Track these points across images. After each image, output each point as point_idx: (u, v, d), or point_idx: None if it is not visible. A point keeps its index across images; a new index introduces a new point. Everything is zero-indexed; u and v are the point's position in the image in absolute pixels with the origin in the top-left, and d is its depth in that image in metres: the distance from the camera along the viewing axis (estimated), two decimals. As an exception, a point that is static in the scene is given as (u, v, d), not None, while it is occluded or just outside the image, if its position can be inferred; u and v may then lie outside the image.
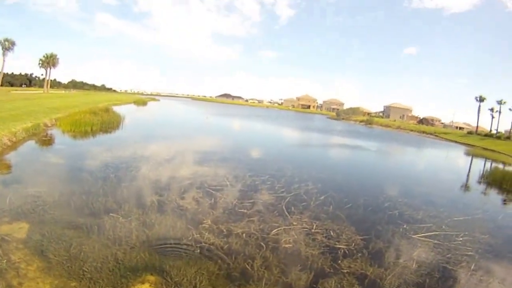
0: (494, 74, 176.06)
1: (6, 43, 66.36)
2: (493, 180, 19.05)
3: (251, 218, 8.28)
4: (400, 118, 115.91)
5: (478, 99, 77.73)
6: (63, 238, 6.03)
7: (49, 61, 76.45)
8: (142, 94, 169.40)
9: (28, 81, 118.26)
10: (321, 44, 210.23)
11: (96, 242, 6.06)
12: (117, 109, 37.59)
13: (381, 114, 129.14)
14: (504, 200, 15.90)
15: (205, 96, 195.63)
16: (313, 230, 8.00)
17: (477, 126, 79.32)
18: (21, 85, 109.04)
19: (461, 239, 8.68)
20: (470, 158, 38.21)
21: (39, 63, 77.14)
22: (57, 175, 10.75)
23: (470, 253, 7.81)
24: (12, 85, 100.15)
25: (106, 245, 5.99)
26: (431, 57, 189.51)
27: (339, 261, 6.58)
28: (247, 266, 5.97)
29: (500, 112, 74.66)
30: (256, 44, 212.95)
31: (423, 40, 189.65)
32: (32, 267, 5.06)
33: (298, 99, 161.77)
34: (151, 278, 5.21)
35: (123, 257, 5.66)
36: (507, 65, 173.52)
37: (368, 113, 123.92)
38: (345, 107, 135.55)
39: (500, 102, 73.99)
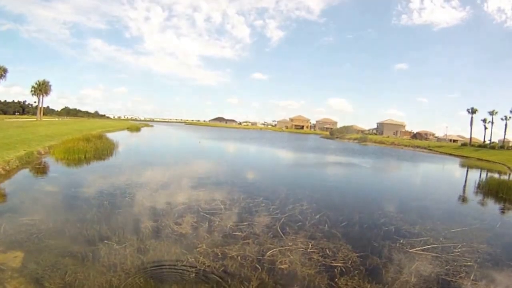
0: (485, 85, 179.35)
1: (-1, 70, 66.49)
2: (489, 189, 19.25)
3: (246, 241, 8.31)
4: (394, 134, 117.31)
5: (470, 111, 79.47)
6: (57, 266, 6.04)
7: (41, 88, 76.61)
8: (135, 120, 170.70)
9: (21, 108, 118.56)
10: (312, 64, 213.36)
11: (90, 269, 6.07)
12: (110, 135, 37.62)
13: (374, 131, 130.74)
14: (501, 209, 16.04)
15: (198, 121, 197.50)
16: (308, 250, 8.03)
17: (471, 138, 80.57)
18: (14, 113, 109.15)
19: (459, 250, 8.76)
20: (464, 169, 38.70)
21: (31, 91, 77.30)
22: (51, 203, 10.74)
23: (469, 263, 7.88)
24: (5, 113, 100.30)
25: (101, 272, 6.00)
26: (422, 72, 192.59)
27: (336, 280, 6.60)
28: None
29: (492, 122, 76.35)
30: (247, 66, 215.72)
31: (414, 55, 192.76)
32: (27, 296, 5.07)
33: (291, 120, 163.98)
34: (147, 304, 5.22)
35: (118, 283, 5.67)
36: (497, 76, 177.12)
37: (362, 131, 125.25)
38: (339, 125, 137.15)
39: (492, 113, 75.71)
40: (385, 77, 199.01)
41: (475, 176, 31.13)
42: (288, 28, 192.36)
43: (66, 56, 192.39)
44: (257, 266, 6.92)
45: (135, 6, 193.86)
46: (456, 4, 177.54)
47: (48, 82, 78.03)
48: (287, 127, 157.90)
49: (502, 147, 65.69)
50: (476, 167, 39.46)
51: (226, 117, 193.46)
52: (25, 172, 15.41)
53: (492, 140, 77.66)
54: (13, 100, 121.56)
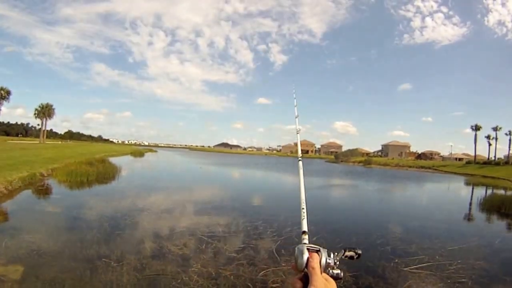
0: (489, 101, 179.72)
1: (2, 92, 67.05)
2: (491, 206, 19.11)
3: (241, 261, 8.44)
4: (399, 155, 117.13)
5: (474, 128, 78.95)
6: (56, 280, 6.24)
7: (44, 112, 77.73)
8: (139, 145, 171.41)
9: (24, 131, 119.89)
10: (316, 88, 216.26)
11: (88, 284, 6.27)
12: (113, 160, 38.05)
13: (379, 153, 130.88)
14: (502, 225, 16.04)
15: (203, 146, 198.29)
16: None
17: (475, 155, 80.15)
18: (17, 135, 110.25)
19: (454, 267, 8.76)
20: (468, 187, 38.34)
21: (34, 113, 78.55)
22: (52, 223, 10.98)
23: (463, 280, 7.91)
24: (8, 135, 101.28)
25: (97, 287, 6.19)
26: (426, 91, 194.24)
27: None
28: None
29: (496, 138, 76.01)
30: (251, 91, 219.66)
31: (417, 75, 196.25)
32: (25, 307, 5.27)
33: (296, 144, 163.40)
34: (140, 319, 5.39)
35: (113, 299, 5.85)
36: (501, 90, 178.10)
37: (367, 154, 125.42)
38: (344, 149, 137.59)
39: (495, 129, 75.36)
40: (389, 98, 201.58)
41: (478, 193, 30.80)
42: (291, 52, 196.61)
43: (69, 80, 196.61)
44: (249, 284, 7.05)
45: (138, 31, 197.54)
46: (457, 20, 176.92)
47: (51, 106, 79.54)
48: (291, 152, 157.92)
49: (506, 162, 64.85)
50: (481, 184, 39.18)
51: (230, 143, 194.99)
52: (27, 192, 15.72)
53: (498, 156, 77.06)
54: (16, 122, 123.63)
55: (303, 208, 1.44)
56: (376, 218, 16.68)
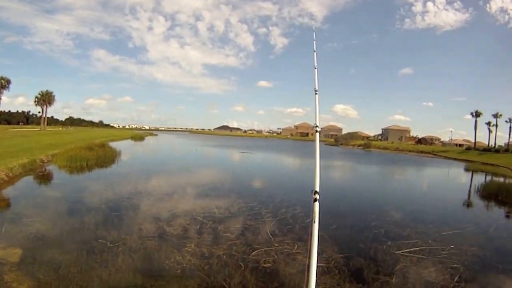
0: (490, 88, 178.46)
1: (2, 81, 67.62)
2: (488, 193, 19.03)
3: (234, 241, 8.69)
4: (399, 139, 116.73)
5: (474, 114, 77.79)
6: (53, 261, 6.51)
7: (44, 99, 77.82)
8: (140, 129, 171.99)
9: (25, 118, 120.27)
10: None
11: (84, 264, 6.51)
12: (113, 144, 38.36)
13: (379, 137, 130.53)
14: (498, 212, 16.04)
15: (203, 129, 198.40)
16: (294, 251, 8.28)
17: (475, 142, 79.69)
18: (18, 123, 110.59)
19: (447, 252, 8.78)
20: (467, 173, 38.41)
21: (35, 101, 78.72)
22: (51, 207, 11.27)
23: (455, 265, 7.92)
24: (9, 123, 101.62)
25: (93, 267, 6.44)
26: (428, 76, 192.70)
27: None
28: (224, 284, 6.30)
29: (496, 125, 75.08)
30: (252, 74, 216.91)
31: (419, 60, 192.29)
32: (23, 286, 5.52)
33: (296, 127, 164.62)
34: (133, 296, 5.65)
35: (107, 277, 6.09)
36: (502, 77, 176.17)
37: (367, 137, 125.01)
38: (344, 132, 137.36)
39: (496, 116, 74.38)
40: (390, 82, 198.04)
41: (476, 180, 30.49)
42: (292, 35, 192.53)
43: (70, 67, 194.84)
44: (241, 264, 7.27)
45: (137, 16, 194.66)
46: (459, 6, 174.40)
47: (51, 93, 79.50)
48: (292, 135, 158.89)
49: (506, 150, 63.90)
50: (480, 171, 39.19)
51: (231, 126, 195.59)
52: (28, 178, 15.99)
53: (498, 144, 76.05)
54: (18, 111, 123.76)
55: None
56: (372, 201, 16.80)
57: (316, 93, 2.42)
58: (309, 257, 1.73)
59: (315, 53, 2.63)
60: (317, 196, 2.00)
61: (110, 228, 9.01)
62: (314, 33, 2.96)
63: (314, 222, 1.84)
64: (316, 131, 2.19)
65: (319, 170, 2.21)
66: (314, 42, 2.71)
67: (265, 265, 7.35)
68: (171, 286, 5.97)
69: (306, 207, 13.30)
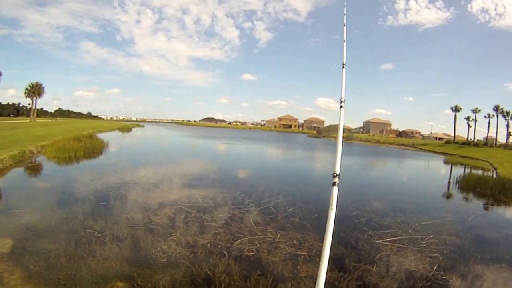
0: (469, 85, 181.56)
1: (-9, 74, 66.81)
2: (467, 185, 19.41)
3: (218, 231, 9.04)
4: (380, 132, 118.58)
5: (454, 109, 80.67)
6: (42, 251, 6.80)
7: (34, 90, 76.99)
8: (127, 120, 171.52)
9: (16, 110, 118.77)
10: (300, 65, 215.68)
11: (72, 254, 6.82)
12: (101, 136, 38.39)
13: (361, 130, 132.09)
14: (476, 203, 16.42)
15: (189, 121, 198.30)
16: (276, 240, 8.58)
17: (455, 136, 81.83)
18: (9, 115, 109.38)
19: (426, 241, 9.05)
20: (446, 166, 39.38)
21: (25, 93, 77.80)
22: (40, 198, 11.50)
23: (434, 254, 8.18)
24: (0, 115, 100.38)
25: (81, 256, 6.75)
26: (409, 72, 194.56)
27: (298, 267, 7.06)
28: (209, 272, 6.59)
29: (475, 120, 77.98)
30: (237, 67, 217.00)
31: (400, 56, 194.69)
32: (14, 276, 5.81)
33: (280, 119, 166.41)
34: (120, 284, 5.93)
35: (95, 266, 6.41)
36: (481, 75, 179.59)
37: (349, 130, 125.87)
38: (326, 124, 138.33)
39: (475, 111, 77.33)
40: (372, 77, 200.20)
41: (455, 172, 31.45)
42: (276, 29, 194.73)
43: (59, 59, 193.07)
44: (225, 252, 7.61)
45: (126, 9, 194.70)
46: (441, 5, 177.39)
47: (41, 84, 78.60)
48: (275, 127, 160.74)
49: (485, 144, 67.28)
50: (459, 163, 40.32)
51: (216, 117, 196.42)
52: (18, 170, 16.14)
53: (477, 138, 79.16)
54: (8, 103, 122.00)
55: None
56: (353, 191, 16.71)
57: (343, 67, 2.61)
58: (323, 249, 1.71)
59: (344, 27, 2.83)
60: (337, 180, 1.93)
61: (97, 218, 9.28)
62: (344, 8, 3.02)
63: (332, 209, 1.80)
64: (341, 106, 2.11)
65: (340, 152, 2.14)
66: (345, 16, 2.89)
67: (248, 254, 7.64)
68: (157, 275, 6.26)
69: (289, 196, 13.73)
